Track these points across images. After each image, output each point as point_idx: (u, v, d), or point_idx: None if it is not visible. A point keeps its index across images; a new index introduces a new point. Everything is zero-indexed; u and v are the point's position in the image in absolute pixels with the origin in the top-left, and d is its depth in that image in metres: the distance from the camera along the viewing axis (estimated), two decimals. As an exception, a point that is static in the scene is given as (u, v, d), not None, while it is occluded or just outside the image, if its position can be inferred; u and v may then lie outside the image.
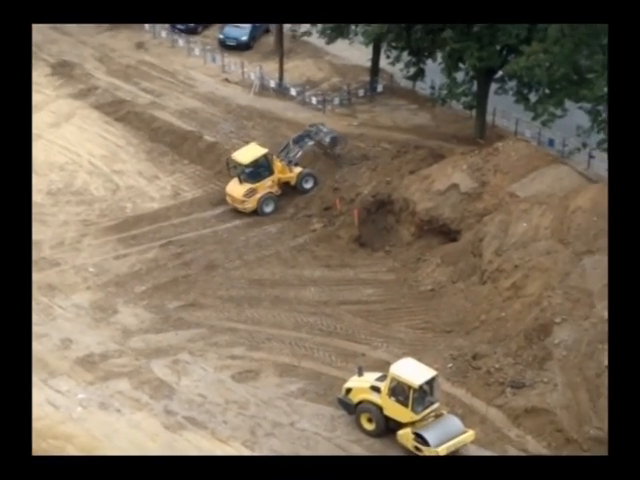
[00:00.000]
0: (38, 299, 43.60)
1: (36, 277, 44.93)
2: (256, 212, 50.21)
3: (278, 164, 51.04)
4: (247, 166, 50.28)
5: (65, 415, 37.33)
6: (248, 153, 50.87)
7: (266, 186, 50.39)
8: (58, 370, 39.66)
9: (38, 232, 48.36)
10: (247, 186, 50.02)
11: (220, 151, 55.01)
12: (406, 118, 59.10)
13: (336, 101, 60.62)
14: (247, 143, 53.58)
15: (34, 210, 49.95)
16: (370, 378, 37.33)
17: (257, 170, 50.37)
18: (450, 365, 39.61)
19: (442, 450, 35.07)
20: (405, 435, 35.83)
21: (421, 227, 48.08)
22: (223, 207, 51.18)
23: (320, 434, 36.82)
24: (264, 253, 47.89)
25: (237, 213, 50.48)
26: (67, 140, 56.86)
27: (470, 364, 39.42)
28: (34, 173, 52.90)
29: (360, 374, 37.67)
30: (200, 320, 43.13)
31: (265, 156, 50.55)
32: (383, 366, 38.50)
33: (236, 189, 50.28)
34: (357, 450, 36.07)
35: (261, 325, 42.84)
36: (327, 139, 52.16)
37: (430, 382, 36.19)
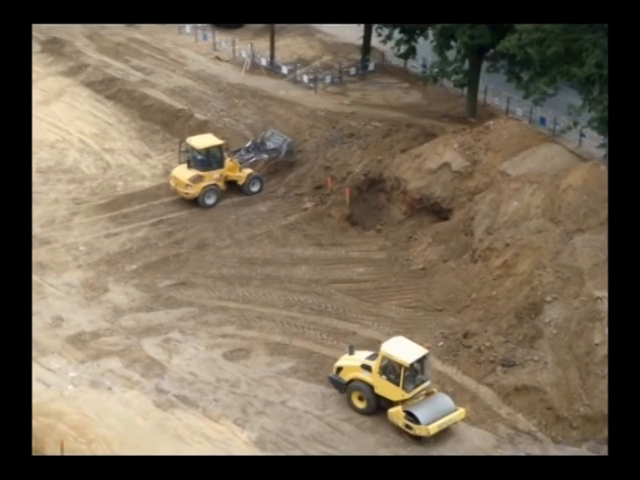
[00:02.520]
0: (29, 278, 43.58)
1: (26, 255, 45.03)
2: (196, 201, 49.18)
3: (230, 162, 50.32)
4: (199, 152, 49.41)
5: (56, 393, 37.33)
6: (204, 140, 50.24)
7: (213, 177, 49.46)
8: (49, 348, 39.63)
9: (28, 210, 48.37)
10: (195, 172, 49.15)
11: (211, 129, 54.79)
12: (397, 96, 59.00)
13: (327, 79, 60.49)
14: (238, 122, 53.35)
15: (24, 188, 50.15)
16: (361, 357, 37.40)
17: (208, 159, 49.53)
18: (441, 343, 39.70)
19: (432, 428, 35.20)
20: (396, 413, 35.93)
21: (412, 206, 48.09)
22: (214, 185, 51.14)
23: (311, 412, 36.90)
24: (255, 232, 47.85)
25: (228, 192, 50.34)
26: (57, 118, 56.67)
27: (461, 342, 39.52)
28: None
29: (351, 353, 37.73)
30: (191, 299, 43.11)
31: (220, 148, 49.78)
32: (374, 345, 38.58)
33: (183, 173, 49.48)
34: (347, 428, 36.17)
35: (252, 304, 42.84)
36: (284, 147, 51.26)
37: (421, 360, 36.27)
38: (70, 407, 36.64)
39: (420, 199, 47.87)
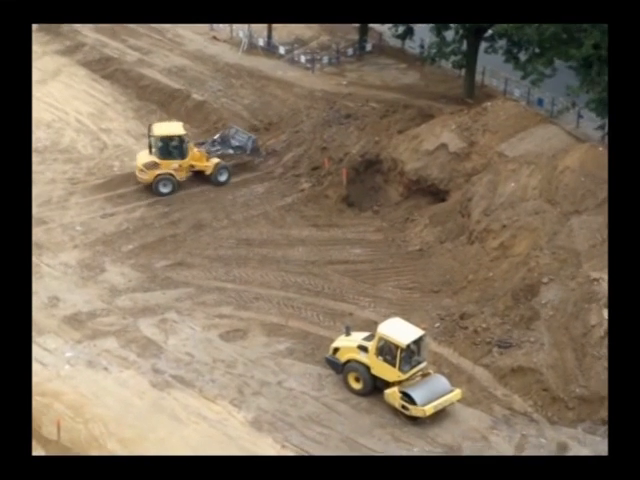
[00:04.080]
0: (25, 257, 43.53)
1: (23, 235, 44.95)
2: (151, 187, 48.73)
3: (196, 152, 49.64)
4: (158, 139, 48.81)
5: (53, 373, 37.33)
6: (166, 128, 49.74)
7: (170, 167, 48.64)
8: (46, 328, 39.62)
9: (25, 190, 48.24)
10: (152, 158, 48.75)
11: (208, 110, 54.75)
12: (395, 77, 58.85)
13: (325, 60, 60.32)
14: (235, 102, 53.09)
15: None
16: (357, 337, 37.42)
17: (167, 148, 48.80)
18: (437, 325, 39.74)
19: (429, 409, 35.25)
20: (392, 394, 35.97)
21: (409, 187, 48.05)
22: (211, 166, 51.03)
23: (307, 393, 36.94)
24: (252, 213, 47.80)
25: (193, 182, 49.89)
26: (54, 97, 56.49)
27: (457, 324, 39.55)
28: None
29: (347, 333, 37.75)
30: (188, 279, 43.09)
31: (181, 138, 48.85)
32: (370, 326, 38.61)
33: (142, 157, 49.10)
34: (344, 409, 36.22)
35: (249, 284, 42.83)
36: (249, 144, 50.41)
37: (417, 342, 36.30)
38: (67, 387, 36.65)
39: (417, 180, 47.82)
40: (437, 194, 47.53)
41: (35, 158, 50.88)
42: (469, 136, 47.91)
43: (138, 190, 49.03)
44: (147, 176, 48.62)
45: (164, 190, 48.76)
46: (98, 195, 48.60)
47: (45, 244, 44.69)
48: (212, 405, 36.19)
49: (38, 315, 40.20)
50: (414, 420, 35.61)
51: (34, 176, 49.20)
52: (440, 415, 35.81)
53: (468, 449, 34.69)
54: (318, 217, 47.64)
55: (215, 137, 51.10)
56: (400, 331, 36.20)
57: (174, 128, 49.71)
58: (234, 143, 50.58)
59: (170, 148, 48.88)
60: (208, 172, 49.61)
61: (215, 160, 49.77)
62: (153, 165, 48.59)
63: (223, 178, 49.86)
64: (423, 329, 37.15)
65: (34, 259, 43.36)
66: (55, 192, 48.63)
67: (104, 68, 59.15)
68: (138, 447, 34.06)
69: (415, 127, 49.94)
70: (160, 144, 48.82)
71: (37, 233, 45.23)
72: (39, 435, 34.50)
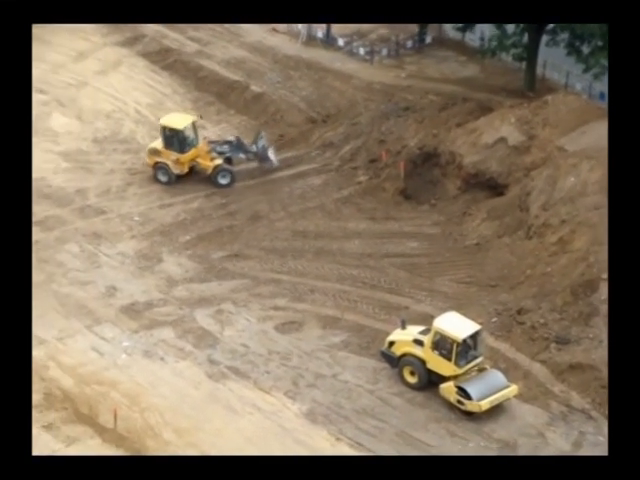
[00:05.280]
0: (84, 246, 43.92)
1: (82, 224, 45.36)
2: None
3: (204, 147, 49.16)
4: (162, 128, 48.82)
5: (110, 362, 37.65)
6: (170, 118, 49.60)
7: (169, 157, 48.45)
8: (103, 317, 39.95)
9: (84, 180, 48.67)
10: (158, 145, 48.84)
11: (266, 102, 54.78)
12: (454, 70, 58.41)
13: (384, 52, 60.04)
14: (293, 94, 52.88)
15: (81, 158, 50.48)
16: (413, 331, 37.25)
17: (169, 138, 48.63)
18: (494, 320, 39.43)
19: (484, 404, 35.01)
20: (448, 388, 35.77)
21: (467, 181, 47.73)
22: (268, 158, 51.06)
23: (362, 386, 36.85)
24: (308, 205, 47.76)
25: (282, 164, 50.17)
26: (114, 88, 56.86)
27: (514, 319, 39.22)
28: (79, 120, 53.23)
29: (403, 327, 37.59)
30: (244, 271, 43.18)
31: (176, 132, 48.39)
32: (426, 319, 38.39)
33: (154, 142, 49.31)
34: (398, 402, 36.08)
35: (304, 277, 42.81)
36: (261, 153, 49.25)
37: (474, 336, 36.06)
38: (123, 376, 36.95)
39: (475, 174, 47.49)
40: (495, 188, 47.14)
41: (94, 148, 51.41)
42: (529, 130, 47.45)
43: (196, 181, 49.24)
44: (148, 160, 49.09)
45: (161, 178, 48.85)
46: (156, 186, 48.87)
47: (103, 234, 45.05)
48: (267, 397, 36.25)
49: (96, 304, 40.60)
50: (469, 415, 35.39)
51: (94, 166, 49.90)
52: (496, 411, 35.54)
53: (524, 445, 34.41)
54: (375, 210, 47.48)
55: (231, 139, 50.40)
56: (456, 325, 35.98)
57: (178, 121, 49.24)
58: (253, 148, 49.49)
59: (170, 139, 48.69)
60: (208, 172, 48.97)
61: (217, 162, 49.00)
62: (155, 152, 48.82)
63: (224, 181, 48.86)
64: (479, 324, 36.89)
65: (92, 248, 43.86)
66: (114, 182, 48.98)
67: (163, 59, 59.44)
68: (193, 437, 34.26)
69: (474, 120, 49.54)
70: (164, 134, 48.87)
71: (95, 223, 45.66)
72: (96, 423, 34.85)
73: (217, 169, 48.84)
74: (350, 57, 59.71)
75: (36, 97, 54.23)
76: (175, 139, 48.58)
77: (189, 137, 49.03)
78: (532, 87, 54.58)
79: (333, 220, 46.74)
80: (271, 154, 49.57)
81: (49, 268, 42.48)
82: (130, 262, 43.47)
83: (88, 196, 47.60)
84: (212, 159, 49.09)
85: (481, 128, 48.38)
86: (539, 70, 55.61)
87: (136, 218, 46.50)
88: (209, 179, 49.02)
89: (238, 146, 49.58)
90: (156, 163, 48.81)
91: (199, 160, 49.14)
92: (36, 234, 44.11)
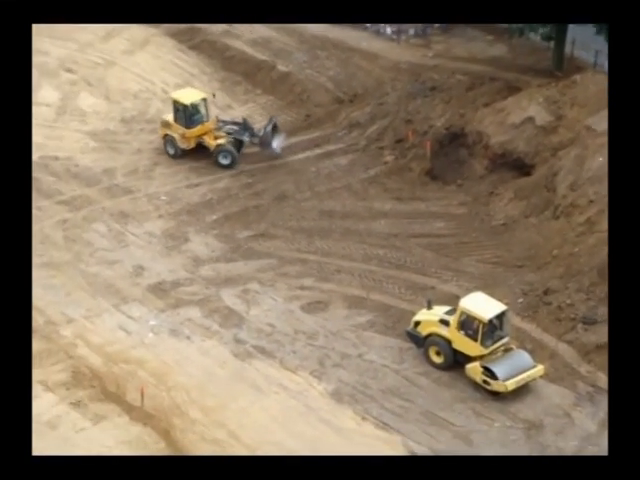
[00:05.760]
0: (111, 226, 44.16)
1: (109, 204, 45.59)
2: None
3: (211, 125, 49.06)
4: (172, 101, 49.15)
5: (137, 340, 37.89)
6: (181, 93, 49.75)
7: (176, 131, 48.67)
8: (130, 296, 40.18)
9: (111, 159, 48.87)
10: (169, 118, 49.12)
11: (293, 81, 54.68)
12: (482, 49, 58.01)
13: (411, 31, 59.70)
14: (320, 74, 52.64)
15: (108, 137, 50.66)
16: (439, 311, 37.23)
17: (178, 112, 48.74)
18: (520, 300, 39.33)
19: (510, 384, 34.98)
20: (474, 369, 35.76)
21: (494, 161, 47.52)
22: (295, 138, 50.99)
23: (388, 366, 36.91)
24: (335, 185, 47.74)
25: (309, 144, 50.09)
26: (141, 68, 56.97)
27: (541, 299, 39.10)
28: (107, 100, 53.38)
29: (429, 307, 37.58)
30: (270, 250, 43.27)
31: (184, 107, 48.37)
32: (452, 300, 38.35)
33: (168, 115, 49.62)
34: (424, 382, 36.12)
35: (331, 257, 42.85)
36: (262, 137, 48.72)
37: (500, 316, 36.00)
38: (150, 354, 37.19)
39: (502, 154, 47.27)
40: (522, 168, 46.91)
41: (122, 128, 51.55)
42: (557, 109, 47.14)
43: (222, 161, 49.32)
44: (160, 131, 49.59)
45: (169, 150, 49.17)
46: (183, 165, 49.01)
47: (131, 213, 45.25)
48: (293, 376, 36.38)
49: (123, 283, 40.83)
50: (495, 395, 35.38)
51: (121, 146, 50.04)
52: (522, 391, 35.50)
53: (550, 426, 34.38)
54: (401, 190, 47.40)
55: (238, 119, 50.29)
56: (482, 306, 35.93)
57: (186, 96, 49.26)
58: (259, 133, 49.17)
59: (178, 113, 48.89)
60: (210, 150, 49.01)
61: (220, 141, 48.86)
62: (166, 124, 49.20)
63: (225, 161, 48.69)
64: (506, 304, 36.82)
65: (120, 227, 44.07)
66: (141, 162, 49.15)
67: (190, 39, 59.45)
68: (219, 416, 34.46)
69: (502, 100, 49.27)
70: (174, 107, 49.08)
71: (123, 202, 45.87)
72: (123, 401, 35.12)
73: (218, 148, 48.80)
74: (377, 36, 59.46)
75: (65, 76, 54.59)
76: (182, 114, 48.74)
77: (196, 113, 49.03)
78: (560, 66, 54.13)
79: (359, 200, 46.72)
80: (276, 141, 49.20)
81: (77, 247, 42.77)
82: (157, 241, 43.67)
83: (115, 175, 47.80)
84: (216, 138, 49.13)
85: (508, 108, 48.11)
86: (567, 49, 55.10)
87: (163, 197, 46.66)
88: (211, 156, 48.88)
89: (245, 128, 49.57)
90: (166, 135, 49.24)
91: (205, 137, 49.24)
92: (64, 213, 44.46)
